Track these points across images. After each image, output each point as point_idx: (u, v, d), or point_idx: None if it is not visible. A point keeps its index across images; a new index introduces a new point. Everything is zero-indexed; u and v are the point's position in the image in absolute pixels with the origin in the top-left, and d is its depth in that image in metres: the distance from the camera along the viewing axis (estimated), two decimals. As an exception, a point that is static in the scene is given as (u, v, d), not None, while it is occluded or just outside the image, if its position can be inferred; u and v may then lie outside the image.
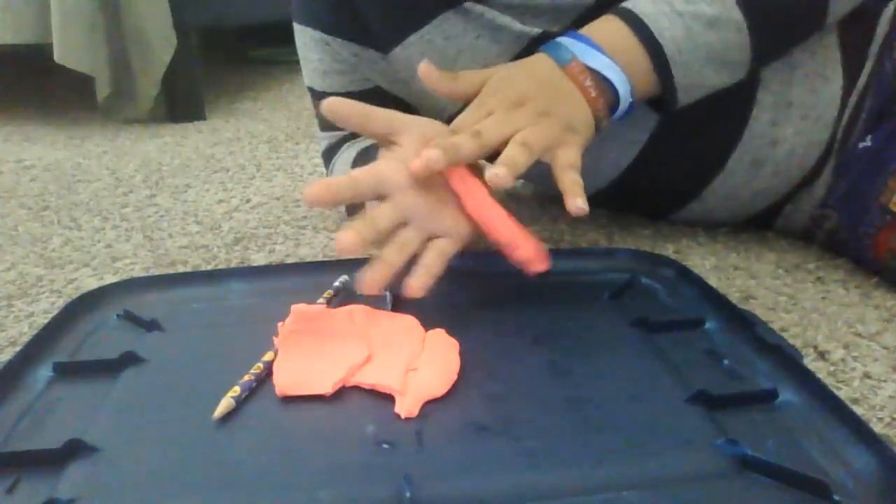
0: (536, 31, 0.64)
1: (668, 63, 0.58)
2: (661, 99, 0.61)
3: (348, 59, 0.73)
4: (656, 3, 0.59)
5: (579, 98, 0.56)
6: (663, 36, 0.58)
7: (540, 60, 0.57)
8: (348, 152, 0.76)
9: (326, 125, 0.81)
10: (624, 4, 0.60)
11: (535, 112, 0.53)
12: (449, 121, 0.72)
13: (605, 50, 0.56)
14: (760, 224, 0.77)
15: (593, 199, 0.79)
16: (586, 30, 0.58)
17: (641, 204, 0.80)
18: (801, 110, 0.68)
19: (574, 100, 0.55)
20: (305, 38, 0.75)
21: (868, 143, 0.66)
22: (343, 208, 0.79)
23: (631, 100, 0.58)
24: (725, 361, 0.45)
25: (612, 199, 0.80)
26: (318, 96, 0.78)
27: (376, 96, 0.74)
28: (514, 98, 0.54)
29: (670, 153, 0.70)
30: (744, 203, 0.74)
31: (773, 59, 0.64)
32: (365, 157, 0.72)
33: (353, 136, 0.78)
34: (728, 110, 0.68)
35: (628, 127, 0.69)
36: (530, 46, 0.65)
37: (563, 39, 0.58)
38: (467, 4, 0.64)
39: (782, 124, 0.68)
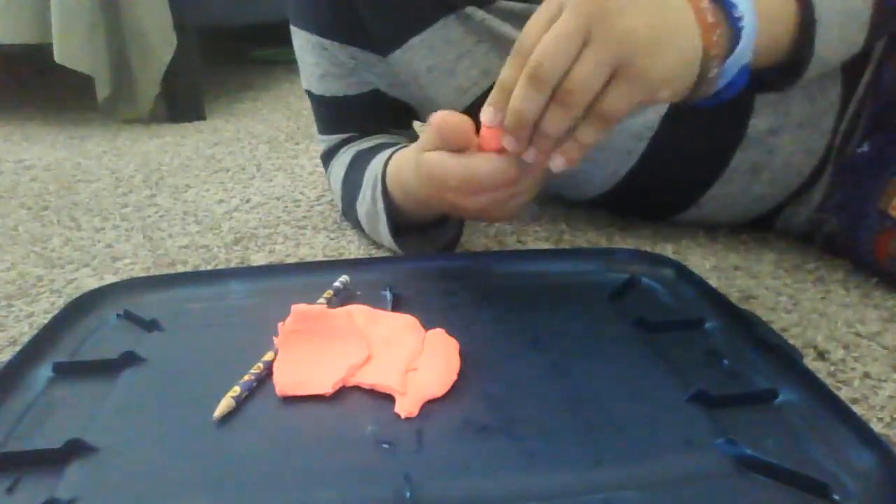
0: None
1: (814, 21, 0.49)
2: (779, 70, 0.52)
3: (346, 63, 0.73)
4: None
5: (690, 25, 0.44)
6: None
7: None
8: (345, 155, 0.76)
9: (325, 128, 0.81)
10: None
11: (637, 53, 0.42)
12: None
13: None
14: (760, 226, 0.77)
15: (592, 202, 0.80)
16: None
17: (640, 209, 0.80)
18: (799, 119, 0.68)
19: (680, 22, 0.44)
20: (302, 42, 0.75)
21: (866, 148, 0.66)
22: (341, 209, 0.79)
23: (748, 58, 0.46)
24: (725, 361, 0.45)
25: (611, 204, 0.80)
26: (315, 99, 0.78)
27: (374, 99, 0.74)
28: (617, 23, 0.42)
29: (668, 161, 0.70)
30: (742, 209, 0.74)
31: (878, 39, 0.56)
32: (361, 160, 0.72)
33: (351, 139, 0.78)
34: (725, 118, 0.67)
35: (626, 136, 0.69)
36: None
37: None
38: (469, 10, 0.64)
39: (780, 132, 0.68)
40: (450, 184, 0.50)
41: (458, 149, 0.50)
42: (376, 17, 0.68)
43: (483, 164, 0.49)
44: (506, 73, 0.45)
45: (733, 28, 0.45)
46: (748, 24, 0.45)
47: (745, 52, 0.46)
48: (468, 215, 0.57)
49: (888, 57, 0.65)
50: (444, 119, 0.49)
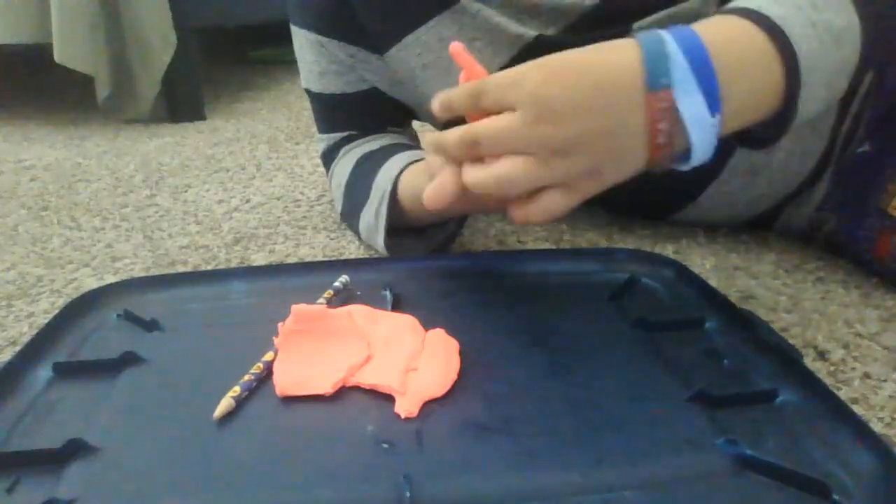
0: (532, 33, 0.64)
1: (800, 87, 0.45)
2: (754, 131, 0.49)
3: (344, 61, 0.73)
4: (781, 4, 0.46)
5: (638, 142, 0.43)
6: (801, 50, 0.44)
7: (625, 67, 0.42)
8: (347, 157, 0.76)
9: (324, 126, 0.81)
10: (742, 2, 0.47)
11: (581, 170, 0.43)
12: (445, 124, 0.73)
13: (728, 65, 0.42)
14: (760, 226, 0.77)
15: (589, 200, 0.80)
16: (704, 29, 0.43)
17: (639, 208, 0.80)
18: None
19: (630, 135, 0.43)
20: (301, 40, 0.75)
21: (867, 148, 0.66)
22: (341, 212, 0.79)
23: (700, 162, 0.45)
24: (725, 361, 0.45)
25: (609, 203, 0.80)
26: (314, 98, 0.78)
27: (373, 97, 0.74)
28: (564, 134, 0.41)
29: None
30: (741, 208, 0.74)
31: (859, 78, 0.52)
32: (367, 165, 0.72)
33: (351, 137, 0.78)
34: None
35: None
36: (525, 50, 0.64)
37: (670, 46, 0.42)
38: (464, 2, 0.64)
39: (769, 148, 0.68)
40: (451, 152, 0.48)
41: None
42: (372, 15, 0.68)
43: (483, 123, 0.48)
44: (458, 100, 0.46)
45: (681, 147, 0.44)
46: (699, 148, 0.43)
47: (687, 163, 0.45)
48: (492, 204, 0.54)
49: (890, 58, 0.65)
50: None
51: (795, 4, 0.47)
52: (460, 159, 0.45)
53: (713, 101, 0.42)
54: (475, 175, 0.44)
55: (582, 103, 0.41)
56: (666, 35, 0.43)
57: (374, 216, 0.68)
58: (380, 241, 0.66)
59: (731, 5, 0.48)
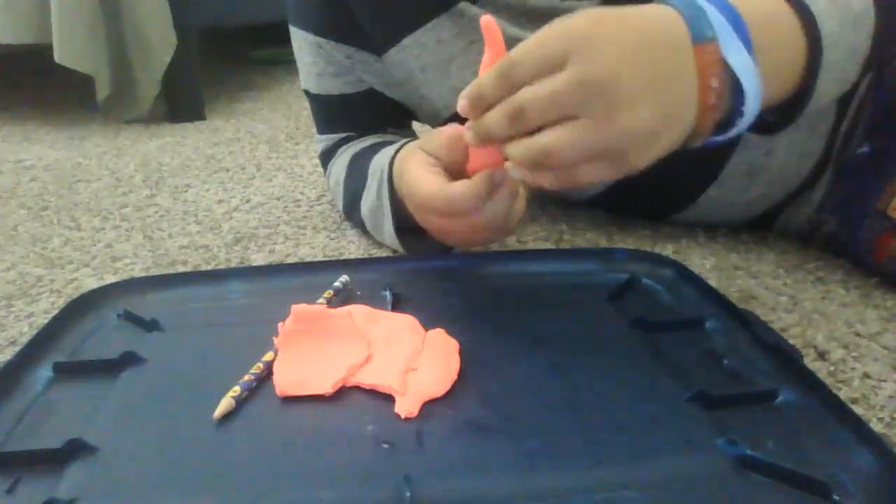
0: (529, 36, 0.64)
1: (820, 64, 0.45)
2: (776, 110, 0.48)
3: (342, 62, 0.73)
4: None
5: (689, 99, 0.40)
6: (824, 24, 0.44)
7: (667, 20, 0.40)
8: (345, 155, 0.76)
9: (323, 127, 0.81)
10: None
11: (637, 131, 0.39)
12: (444, 124, 0.73)
13: (757, 31, 0.41)
14: (760, 226, 0.77)
15: (590, 201, 0.80)
16: None
17: (639, 209, 0.80)
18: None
19: (684, 89, 0.40)
20: (300, 41, 0.75)
21: (866, 149, 0.66)
22: (342, 208, 0.79)
23: (748, 125, 0.43)
24: (725, 361, 0.45)
25: (608, 204, 0.80)
26: (313, 98, 0.79)
27: (372, 98, 0.74)
28: (620, 84, 0.38)
29: (665, 162, 0.70)
30: (740, 209, 0.74)
31: (860, 76, 0.52)
32: (362, 157, 0.72)
33: (350, 138, 0.78)
34: None
35: None
36: None
37: (706, 6, 0.41)
38: (462, 5, 0.64)
39: (776, 135, 0.68)
40: (431, 207, 0.52)
41: (455, 161, 0.51)
42: (371, 17, 0.68)
43: (457, 188, 0.50)
44: (488, 86, 0.42)
45: (733, 107, 0.42)
46: (751, 99, 0.41)
47: (739, 127, 0.43)
48: (451, 239, 0.57)
49: (889, 59, 0.65)
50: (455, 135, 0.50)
51: None
52: (502, 138, 0.42)
53: (751, 53, 0.41)
54: (521, 150, 0.41)
55: (635, 49, 0.38)
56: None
57: (376, 197, 0.67)
58: (386, 225, 0.66)
59: None
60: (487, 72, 0.42)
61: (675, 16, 0.40)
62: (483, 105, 0.43)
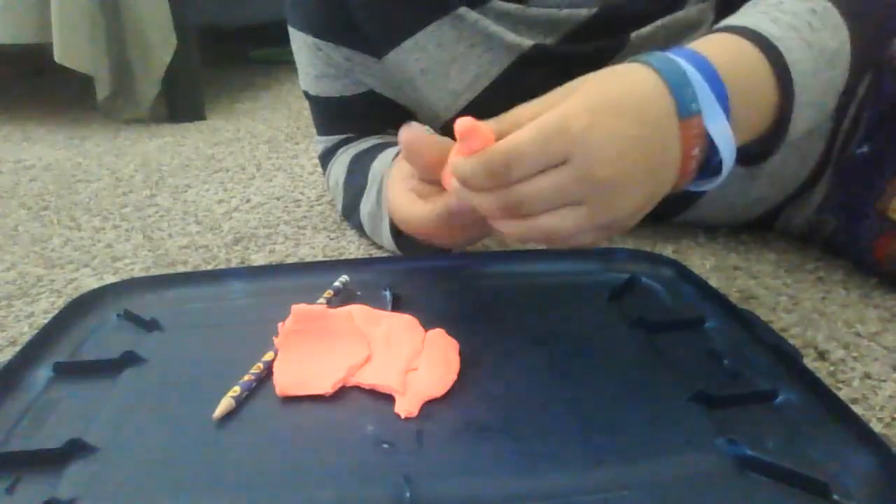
0: (529, 42, 0.64)
1: (793, 108, 0.46)
2: (753, 145, 0.49)
3: (341, 64, 0.73)
4: (779, 25, 0.47)
5: (672, 170, 0.42)
6: (796, 71, 0.46)
7: (656, 97, 0.41)
8: (344, 156, 0.76)
9: (323, 128, 0.81)
10: (740, 20, 0.48)
11: (629, 210, 0.41)
12: (444, 127, 0.73)
13: (731, 84, 0.42)
14: (759, 227, 0.77)
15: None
16: (706, 48, 0.44)
17: None
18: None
19: (668, 163, 0.42)
20: (299, 43, 0.75)
21: (865, 149, 0.66)
22: (341, 210, 0.79)
23: (723, 179, 0.45)
24: (725, 361, 0.45)
25: None
26: (312, 100, 0.79)
27: (371, 100, 0.74)
28: (618, 178, 0.40)
29: None
30: (740, 211, 0.74)
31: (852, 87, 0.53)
32: (362, 160, 0.72)
33: (349, 139, 0.78)
34: None
35: None
36: (522, 59, 0.64)
37: (690, 72, 0.42)
38: (461, 10, 0.64)
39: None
40: (400, 222, 0.53)
41: (427, 169, 0.49)
42: (370, 19, 0.68)
43: (420, 212, 0.50)
44: (478, 179, 0.41)
45: (705, 162, 0.44)
46: (726, 160, 0.43)
47: (708, 182, 0.45)
48: (440, 243, 0.56)
49: (889, 60, 0.65)
50: (411, 141, 0.48)
51: (792, 25, 0.47)
52: (497, 218, 0.43)
53: (727, 113, 0.42)
54: (518, 230, 0.42)
55: (631, 141, 0.40)
56: (680, 60, 0.42)
57: (375, 202, 0.67)
58: (384, 230, 0.66)
59: (729, 22, 0.48)
60: (475, 161, 0.41)
61: (662, 87, 0.41)
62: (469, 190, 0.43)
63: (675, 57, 0.42)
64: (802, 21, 0.48)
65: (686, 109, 0.41)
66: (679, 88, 0.41)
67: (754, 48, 0.45)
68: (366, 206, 0.70)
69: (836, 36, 0.49)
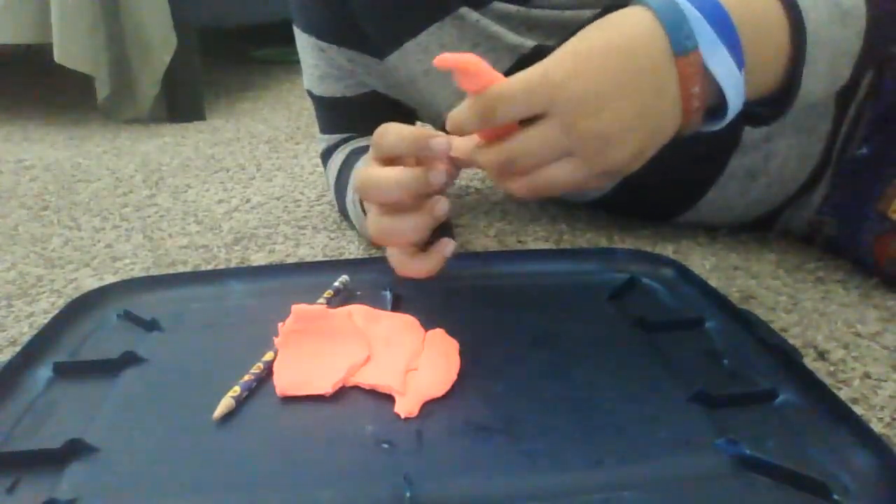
0: (530, 43, 0.64)
1: (805, 57, 0.44)
2: (761, 105, 0.48)
3: (344, 65, 0.73)
4: None
5: (673, 101, 0.41)
6: (809, 19, 0.43)
7: (648, 36, 0.40)
8: (340, 154, 0.76)
9: (325, 127, 0.81)
10: None
11: (626, 157, 0.41)
12: (446, 128, 0.73)
13: (741, 26, 0.41)
14: (759, 228, 0.77)
15: (590, 203, 0.80)
16: None
17: (638, 210, 0.80)
18: (794, 124, 0.67)
19: (664, 104, 0.40)
20: (303, 43, 0.75)
21: (865, 150, 0.66)
22: (338, 208, 0.79)
23: (731, 118, 0.44)
24: (725, 361, 0.45)
25: (608, 206, 0.80)
26: (315, 100, 0.79)
27: (373, 100, 0.75)
28: (607, 127, 0.39)
29: (664, 165, 0.70)
30: (740, 212, 0.74)
31: (863, 73, 0.51)
32: (353, 159, 0.72)
33: (350, 139, 0.78)
34: None
35: None
36: (524, 60, 0.64)
37: (687, 8, 0.40)
38: (462, 11, 0.64)
39: (775, 138, 0.68)
40: (367, 189, 0.48)
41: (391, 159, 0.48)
42: (373, 20, 0.68)
43: (388, 172, 0.47)
44: (469, 123, 0.42)
45: (713, 103, 0.42)
46: (733, 100, 0.42)
47: (721, 122, 0.43)
48: (373, 232, 0.51)
49: (889, 60, 0.65)
50: (381, 133, 0.47)
51: None
52: (498, 177, 0.43)
53: (737, 54, 0.40)
54: (520, 186, 0.42)
55: (617, 87, 0.39)
56: None
57: (352, 203, 0.68)
58: (364, 230, 0.66)
59: None
60: (466, 104, 0.41)
61: (656, 27, 0.40)
62: (463, 134, 0.44)
63: None
64: None
65: (680, 47, 0.39)
66: (674, 25, 0.39)
67: None
68: (351, 213, 0.71)
69: None
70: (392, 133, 0.45)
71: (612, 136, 0.39)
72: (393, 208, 0.47)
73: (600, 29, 0.41)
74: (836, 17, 0.46)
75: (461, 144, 0.47)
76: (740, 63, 0.41)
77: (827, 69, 0.47)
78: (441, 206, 0.46)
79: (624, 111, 0.39)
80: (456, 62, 0.41)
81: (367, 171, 0.47)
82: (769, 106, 0.47)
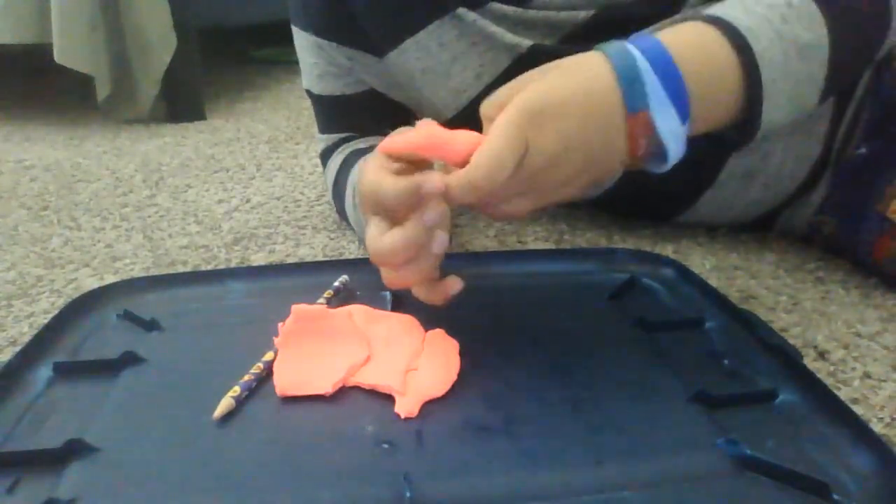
0: (527, 42, 0.64)
1: (761, 97, 0.47)
2: (723, 135, 0.50)
3: (343, 63, 0.73)
4: (751, 15, 0.48)
5: (620, 151, 0.44)
6: (763, 59, 0.46)
7: (604, 92, 0.43)
8: (340, 155, 0.76)
9: (324, 126, 0.81)
10: (713, 9, 0.49)
11: (573, 193, 0.45)
12: (445, 125, 0.73)
13: (693, 71, 0.44)
14: (759, 228, 0.77)
15: (588, 203, 0.80)
16: (671, 38, 0.45)
17: (638, 210, 0.80)
18: (792, 125, 0.67)
19: (612, 154, 0.44)
20: (301, 41, 0.75)
21: (864, 150, 0.66)
22: (336, 209, 0.79)
23: (675, 161, 0.46)
24: (725, 361, 0.45)
25: (606, 206, 0.80)
26: (314, 98, 0.79)
27: (372, 99, 0.75)
28: (560, 174, 0.43)
29: None
30: (738, 212, 0.74)
31: (823, 101, 0.53)
32: (352, 161, 0.72)
33: (350, 138, 0.78)
34: None
35: None
36: (521, 59, 0.64)
37: (642, 66, 0.43)
38: (460, 11, 0.64)
39: (772, 138, 0.68)
40: (371, 202, 0.48)
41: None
42: (371, 19, 0.68)
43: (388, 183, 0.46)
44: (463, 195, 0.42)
45: (655, 152, 0.45)
46: (672, 155, 0.45)
47: (671, 163, 0.46)
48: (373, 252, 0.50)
49: (888, 60, 0.65)
50: (375, 191, 0.47)
51: (765, 16, 0.48)
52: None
53: (683, 110, 0.44)
54: (487, 213, 0.46)
55: (573, 143, 0.42)
56: (634, 51, 0.43)
57: (352, 206, 0.67)
58: (359, 216, 0.66)
59: (699, 10, 0.49)
60: (466, 182, 0.41)
61: (611, 83, 0.43)
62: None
63: (632, 48, 0.44)
64: (775, 12, 0.48)
65: (633, 106, 0.43)
66: (629, 83, 0.43)
67: (721, 36, 0.46)
68: (349, 216, 0.71)
69: (811, 28, 0.49)
70: (389, 191, 0.45)
71: (564, 182, 0.44)
72: None
73: (563, 76, 0.44)
74: (793, 53, 0.48)
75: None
76: (685, 115, 0.44)
77: (787, 100, 0.49)
78: (439, 243, 0.46)
79: (577, 162, 0.43)
80: (415, 145, 0.44)
81: (374, 237, 0.47)
82: (737, 131, 0.50)
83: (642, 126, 0.43)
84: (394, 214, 0.45)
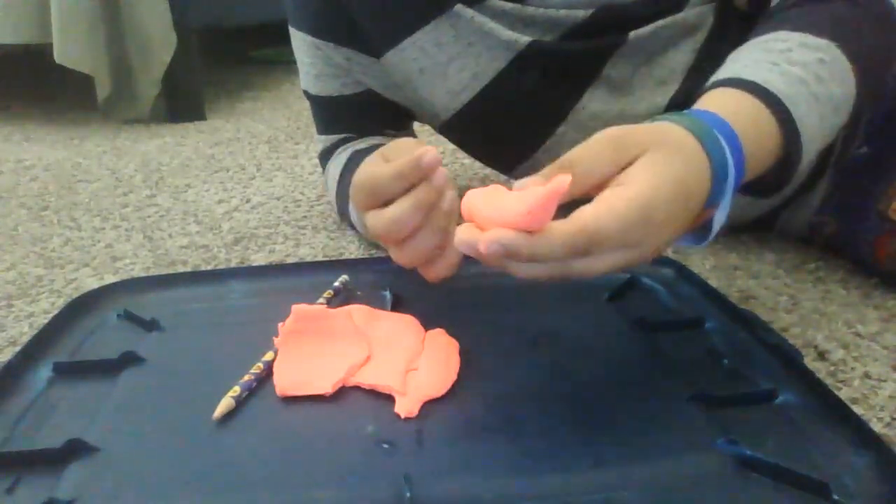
0: (526, 39, 0.64)
1: (798, 161, 0.48)
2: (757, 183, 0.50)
3: (340, 64, 0.73)
4: (787, 78, 0.48)
5: (685, 230, 0.44)
6: (802, 124, 0.47)
7: (699, 185, 0.42)
8: (342, 156, 0.76)
9: (322, 127, 0.81)
10: (750, 72, 0.49)
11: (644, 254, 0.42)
12: (443, 126, 0.73)
13: (749, 156, 0.44)
14: (759, 228, 0.77)
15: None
16: (735, 118, 0.44)
17: None
18: None
19: (674, 238, 0.44)
20: (299, 42, 0.75)
21: (865, 150, 0.66)
22: (337, 209, 0.79)
23: (703, 243, 0.46)
24: (725, 361, 0.45)
25: None
26: (312, 99, 0.79)
27: (370, 99, 0.74)
28: (657, 241, 0.41)
29: None
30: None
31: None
32: (357, 160, 0.72)
33: (348, 139, 0.78)
34: None
35: None
36: (519, 56, 0.64)
37: (730, 171, 0.43)
38: (457, 8, 0.64)
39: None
40: (365, 189, 0.47)
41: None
42: (368, 19, 0.68)
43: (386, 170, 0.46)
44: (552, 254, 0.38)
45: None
46: (714, 235, 0.44)
47: (705, 244, 0.46)
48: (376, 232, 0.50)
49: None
50: (373, 184, 0.47)
51: (801, 79, 0.48)
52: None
53: (734, 195, 0.44)
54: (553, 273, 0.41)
55: (673, 221, 0.41)
56: (724, 145, 0.42)
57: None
58: (371, 237, 0.66)
59: (740, 73, 0.48)
60: (554, 241, 0.37)
61: (706, 179, 0.42)
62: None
63: (722, 141, 0.43)
64: (810, 73, 0.49)
65: (710, 202, 0.43)
66: (718, 183, 0.42)
67: (767, 111, 0.46)
68: (353, 216, 0.70)
69: (843, 84, 0.50)
70: (386, 173, 0.45)
71: (652, 251, 0.41)
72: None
73: (674, 160, 0.41)
74: (828, 112, 0.49)
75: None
76: (735, 192, 0.44)
77: (817, 150, 0.51)
78: (449, 199, 0.45)
79: (670, 236, 0.41)
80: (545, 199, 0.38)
81: (375, 214, 0.46)
82: (764, 186, 0.50)
83: (703, 218, 0.43)
84: (389, 203, 0.45)
